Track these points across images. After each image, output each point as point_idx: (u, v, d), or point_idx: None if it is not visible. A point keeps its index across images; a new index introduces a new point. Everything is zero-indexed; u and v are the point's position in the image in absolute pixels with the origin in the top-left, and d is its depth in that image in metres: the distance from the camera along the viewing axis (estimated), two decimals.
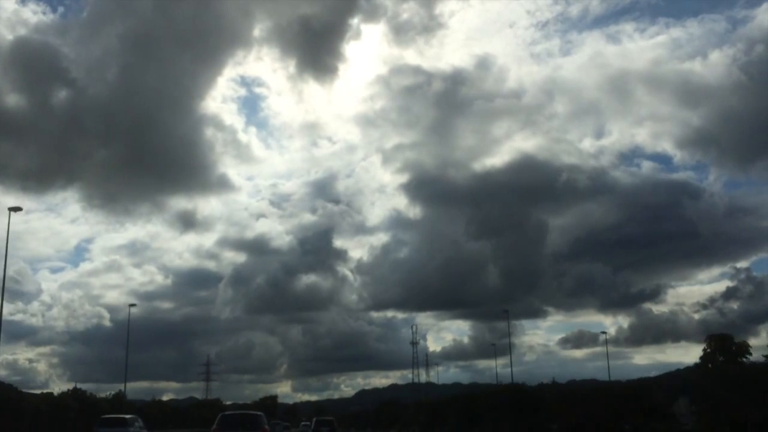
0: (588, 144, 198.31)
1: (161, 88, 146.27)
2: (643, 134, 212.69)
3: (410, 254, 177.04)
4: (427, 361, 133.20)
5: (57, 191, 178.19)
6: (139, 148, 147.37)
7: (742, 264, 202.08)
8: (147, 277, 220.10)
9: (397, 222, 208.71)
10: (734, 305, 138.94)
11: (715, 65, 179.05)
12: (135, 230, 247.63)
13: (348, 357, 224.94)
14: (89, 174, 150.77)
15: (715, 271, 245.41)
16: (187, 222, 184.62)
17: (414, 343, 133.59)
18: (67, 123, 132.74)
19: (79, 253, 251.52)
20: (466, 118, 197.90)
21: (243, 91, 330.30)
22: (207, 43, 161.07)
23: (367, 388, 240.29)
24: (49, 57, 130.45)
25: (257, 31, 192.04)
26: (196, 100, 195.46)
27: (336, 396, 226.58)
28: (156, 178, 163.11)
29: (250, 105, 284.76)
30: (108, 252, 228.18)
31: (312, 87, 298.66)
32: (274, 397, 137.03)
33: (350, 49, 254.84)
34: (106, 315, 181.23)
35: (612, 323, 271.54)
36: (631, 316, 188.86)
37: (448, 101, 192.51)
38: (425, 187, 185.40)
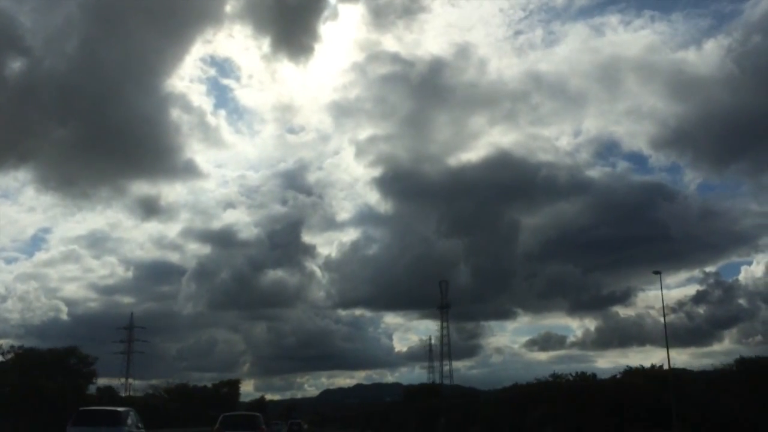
0: (565, 141, 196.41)
1: (124, 63, 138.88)
2: (621, 132, 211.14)
3: (380, 251, 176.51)
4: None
5: (8, 171, 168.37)
6: (99, 127, 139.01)
7: (711, 268, 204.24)
8: (107, 269, 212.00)
9: (368, 217, 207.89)
10: (701, 310, 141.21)
11: (706, 57, 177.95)
12: (93, 217, 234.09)
13: (313, 356, 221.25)
14: (44, 154, 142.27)
15: (686, 275, 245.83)
16: (150, 209, 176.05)
17: (443, 308, 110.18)
18: (21, 97, 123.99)
19: (35, 243, 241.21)
20: (443, 110, 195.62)
21: (212, 71, 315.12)
22: (175, 17, 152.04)
23: (331, 387, 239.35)
24: (3, 24, 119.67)
25: (229, 7, 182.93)
26: (161, 77, 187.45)
27: (299, 395, 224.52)
28: (117, 160, 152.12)
29: (220, 86, 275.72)
30: (66, 242, 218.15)
31: (286, 67, 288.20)
32: (236, 383, 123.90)
33: (327, 30, 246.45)
34: (64, 309, 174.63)
35: (579, 326, 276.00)
36: (599, 319, 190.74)
37: (425, 92, 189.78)
38: (398, 181, 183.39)
